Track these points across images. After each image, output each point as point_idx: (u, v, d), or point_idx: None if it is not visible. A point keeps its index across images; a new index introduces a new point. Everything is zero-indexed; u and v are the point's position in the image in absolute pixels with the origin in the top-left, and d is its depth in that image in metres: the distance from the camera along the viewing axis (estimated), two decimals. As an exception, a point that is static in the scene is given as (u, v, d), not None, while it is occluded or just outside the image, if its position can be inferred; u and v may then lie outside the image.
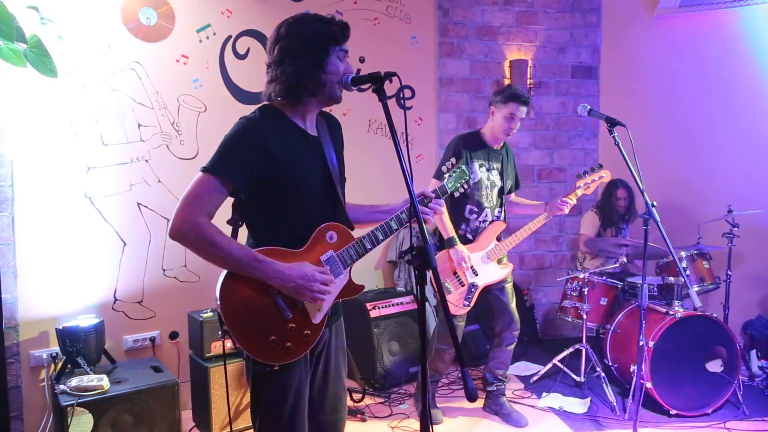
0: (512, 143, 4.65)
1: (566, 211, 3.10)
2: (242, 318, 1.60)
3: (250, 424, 1.78)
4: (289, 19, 1.70)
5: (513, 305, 3.24)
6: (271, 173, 1.63)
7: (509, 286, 3.25)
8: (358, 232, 1.80)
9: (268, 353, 1.62)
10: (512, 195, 3.38)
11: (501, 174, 3.22)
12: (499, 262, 3.18)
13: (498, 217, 3.22)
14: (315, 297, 1.64)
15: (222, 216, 1.70)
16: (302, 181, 1.69)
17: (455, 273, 3.06)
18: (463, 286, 3.07)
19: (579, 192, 3.14)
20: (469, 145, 3.14)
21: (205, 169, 1.60)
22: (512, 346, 3.28)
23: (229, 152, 1.62)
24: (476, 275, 3.09)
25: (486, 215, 3.17)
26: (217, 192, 1.60)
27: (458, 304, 3.07)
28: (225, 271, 1.62)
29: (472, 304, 3.10)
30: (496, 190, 3.20)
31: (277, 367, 1.64)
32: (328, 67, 1.66)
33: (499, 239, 3.17)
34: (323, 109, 1.82)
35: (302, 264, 1.64)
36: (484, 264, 3.12)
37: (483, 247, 3.13)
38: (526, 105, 3.12)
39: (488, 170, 3.18)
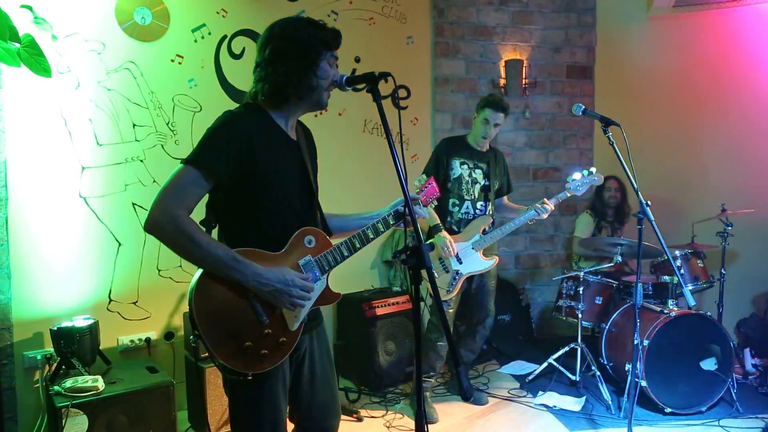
0: (508, 142, 4.70)
1: (544, 216, 3.19)
2: (216, 321, 1.53)
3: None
4: (282, 21, 1.68)
5: (491, 303, 3.46)
6: (252, 169, 1.59)
7: (492, 283, 3.46)
8: (337, 241, 1.79)
9: (243, 361, 1.55)
10: (504, 198, 3.54)
11: (486, 174, 3.40)
12: (486, 254, 3.32)
13: (482, 212, 3.38)
14: (294, 303, 1.60)
15: (196, 216, 1.63)
16: (282, 181, 1.66)
17: (440, 259, 3.22)
18: (447, 272, 3.23)
19: (568, 194, 3.23)
20: (451, 146, 3.40)
21: (186, 161, 1.55)
22: (484, 338, 3.56)
23: (211, 144, 1.57)
24: (460, 263, 3.24)
25: (467, 207, 3.35)
26: (198, 185, 1.55)
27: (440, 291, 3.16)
28: (200, 271, 1.56)
29: (455, 292, 3.24)
30: (478, 186, 3.39)
31: (250, 377, 1.57)
32: (314, 73, 1.64)
33: (485, 232, 3.32)
34: (299, 119, 1.81)
35: (282, 268, 1.60)
36: (469, 254, 3.26)
37: (468, 238, 3.29)
38: (499, 110, 3.28)
39: (471, 168, 3.37)
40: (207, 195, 1.63)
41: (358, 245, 1.75)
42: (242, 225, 1.64)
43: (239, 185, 1.60)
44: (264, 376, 1.60)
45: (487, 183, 3.39)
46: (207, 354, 1.57)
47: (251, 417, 1.64)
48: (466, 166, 3.36)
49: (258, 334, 1.58)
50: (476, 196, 3.37)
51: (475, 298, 3.43)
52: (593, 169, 3.23)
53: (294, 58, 1.62)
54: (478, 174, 3.38)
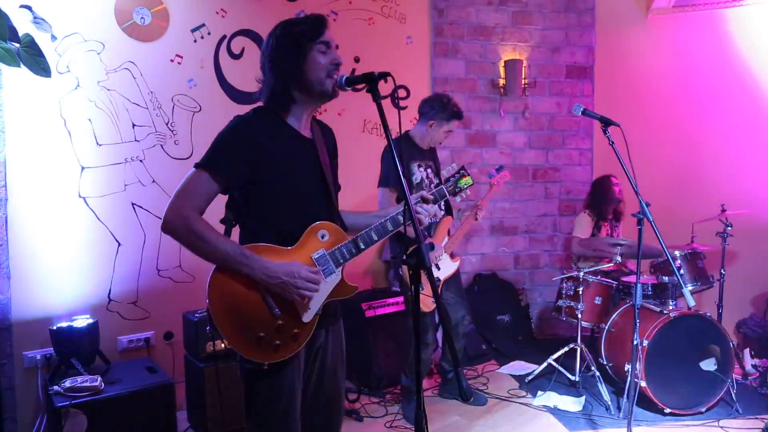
0: (507, 142, 4.70)
1: (479, 219, 3.40)
2: (231, 314, 1.61)
3: (245, 425, 1.77)
4: (267, 36, 1.73)
5: (465, 300, 3.46)
6: (263, 170, 1.65)
7: (460, 282, 3.48)
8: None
9: (257, 351, 1.61)
10: None
11: (435, 172, 3.38)
12: (451, 256, 3.35)
13: (443, 212, 3.34)
14: (301, 294, 1.63)
15: (216, 215, 1.72)
16: (294, 179, 1.70)
17: None
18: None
19: (493, 190, 3.46)
20: (405, 148, 3.26)
21: (198, 165, 1.64)
22: (465, 336, 3.59)
23: (221, 148, 1.65)
24: (438, 270, 3.22)
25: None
26: (209, 187, 1.63)
27: (424, 301, 3.09)
28: (213, 267, 1.63)
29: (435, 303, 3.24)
30: (433, 186, 3.37)
31: (266, 366, 1.63)
32: (308, 66, 1.67)
33: (449, 234, 3.33)
34: (317, 117, 1.84)
35: (290, 261, 1.64)
36: (442, 258, 3.27)
37: (439, 242, 3.28)
38: (460, 119, 3.34)
39: (425, 168, 3.33)
40: (227, 195, 1.71)
41: (375, 238, 1.76)
42: (258, 222, 1.70)
43: (252, 185, 1.66)
44: (279, 365, 1.65)
45: (437, 181, 3.37)
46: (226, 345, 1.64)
47: (265, 405, 1.68)
48: (422, 168, 3.28)
49: (271, 326, 1.63)
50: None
51: (449, 300, 3.39)
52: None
53: (281, 65, 1.68)
54: (431, 174, 3.33)
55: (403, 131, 3.44)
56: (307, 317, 1.67)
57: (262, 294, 1.63)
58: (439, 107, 3.23)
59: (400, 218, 1.78)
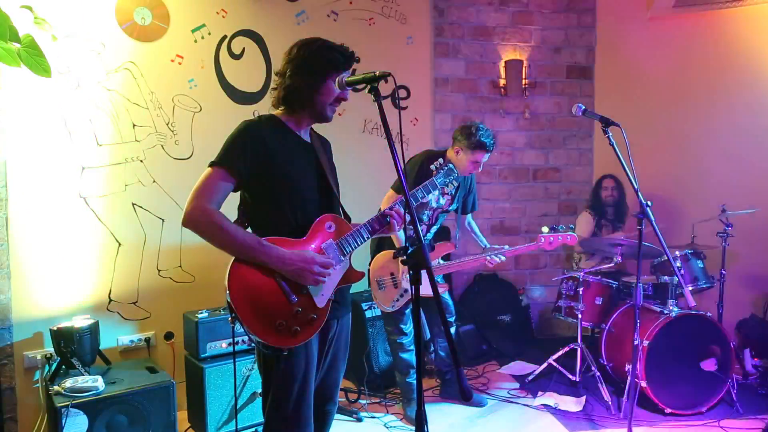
0: (508, 142, 4.70)
1: (491, 265, 3.16)
2: (250, 303, 1.72)
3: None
4: (303, 41, 1.90)
5: (446, 294, 3.46)
6: (269, 166, 1.81)
7: (440, 279, 3.46)
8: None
9: (277, 337, 1.73)
10: (468, 216, 3.52)
11: (453, 196, 3.34)
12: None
13: (429, 237, 3.35)
14: (316, 279, 1.77)
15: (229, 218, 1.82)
16: (298, 176, 1.86)
17: (392, 274, 3.15)
18: (396, 288, 3.15)
19: (539, 243, 3.16)
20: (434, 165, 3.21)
21: (212, 163, 1.79)
22: (452, 330, 3.51)
23: (233, 147, 1.81)
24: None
25: (422, 232, 3.25)
26: (224, 182, 1.77)
27: (385, 303, 3.17)
28: (232, 259, 1.75)
29: (396, 307, 3.16)
30: (438, 211, 3.35)
31: (286, 352, 1.75)
32: (321, 89, 1.84)
33: (445, 259, 3.31)
34: (315, 131, 2.03)
35: (304, 249, 1.79)
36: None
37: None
38: (492, 152, 3.20)
39: (441, 194, 3.30)
40: (238, 198, 1.89)
41: (377, 227, 1.93)
42: (268, 219, 1.85)
43: (260, 181, 1.82)
44: (297, 350, 1.78)
45: (449, 207, 3.35)
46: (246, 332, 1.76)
47: (283, 388, 1.79)
48: (438, 191, 3.17)
49: (289, 313, 1.75)
50: (433, 221, 3.33)
51: (424, 318, 3.39)
52: (567, 227, 3.22)
53: (301, 75, 1.84)
54: (445, 200, 3.31)
55: (439, 148, 3.48)
56: (321, 302, 1.80)
57: (278, 283, 1.74)
58: (466, 135, 3.13)
59: (400, 208, 1.96)
